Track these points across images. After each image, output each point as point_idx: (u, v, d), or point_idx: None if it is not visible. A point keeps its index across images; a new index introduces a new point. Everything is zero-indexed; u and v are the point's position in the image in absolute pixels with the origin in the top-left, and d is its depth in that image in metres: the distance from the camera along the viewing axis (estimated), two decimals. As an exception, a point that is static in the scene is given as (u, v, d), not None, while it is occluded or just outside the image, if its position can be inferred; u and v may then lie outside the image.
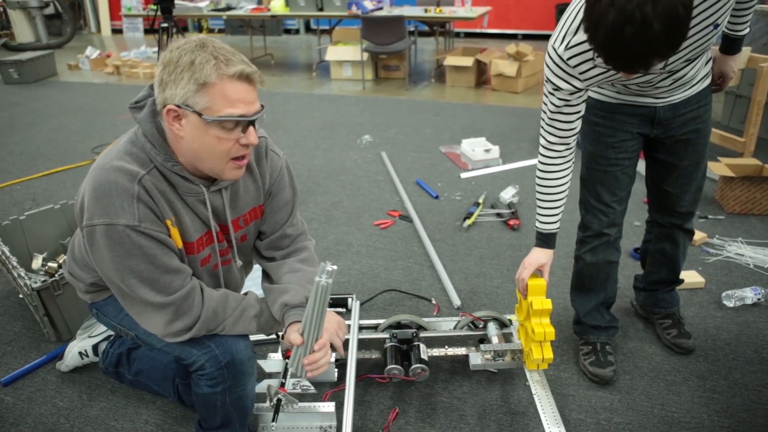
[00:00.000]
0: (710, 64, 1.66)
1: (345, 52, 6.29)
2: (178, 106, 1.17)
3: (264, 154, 1.46)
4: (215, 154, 1.23)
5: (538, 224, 1.74)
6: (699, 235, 2.71)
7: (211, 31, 10.11)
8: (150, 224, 1.24)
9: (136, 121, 1.27)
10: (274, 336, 2.07)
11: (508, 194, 3.18)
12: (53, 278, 2.07)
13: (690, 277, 2.39)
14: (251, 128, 1.22)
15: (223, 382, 1.41)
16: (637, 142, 1.73)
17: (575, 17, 1.38)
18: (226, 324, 1.36)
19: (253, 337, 2.11)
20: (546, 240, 1.74)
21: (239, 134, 1.22)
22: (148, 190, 1.24)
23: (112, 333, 1.85)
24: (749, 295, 2.24)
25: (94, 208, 1.22)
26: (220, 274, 1.47)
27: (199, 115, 1.17)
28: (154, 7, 4.45)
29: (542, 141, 1.66)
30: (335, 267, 1.20)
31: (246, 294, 1.44)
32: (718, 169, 2.98)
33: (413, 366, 1.75)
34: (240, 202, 1.43)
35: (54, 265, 2.28)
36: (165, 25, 4.26)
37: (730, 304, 2.25)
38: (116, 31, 10.19)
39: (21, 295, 2.27)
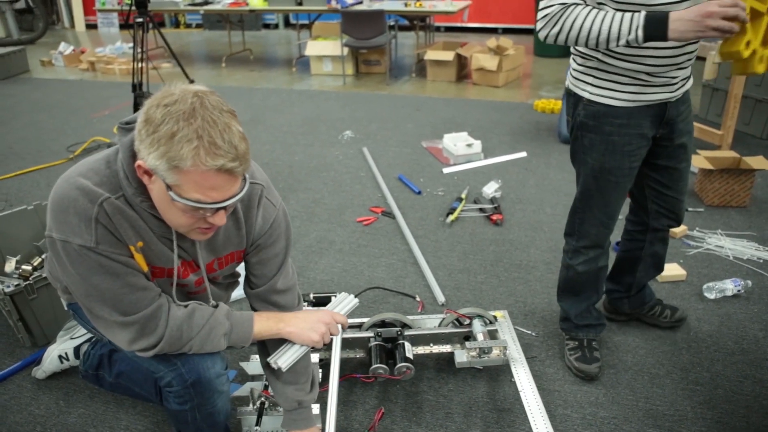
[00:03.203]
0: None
1: (325, 47, 6.23)
2: (150, 168, 1.08)
3: (256, 203, 1.34)
4: (178, 223, 1.16)
5: (642, 23, 1.36)
6: (679, 228, 2.72)
7: (188, 26, 9.95)
8: (109, 246, 1.17)
9: (119, 144, 1.19)
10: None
11: (490, 189, 3.18)
12: (27, 282, 2.01)
13: (672, 269, 2.41)
14: (220, 212, 1.14)
15: (191, 400, 1.36)
16: (647, 147, 1.69)
17: None
18: (193, 344, 1.28)
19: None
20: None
21: (208, 213, 1.13)
22: (110, 215, 1.16)
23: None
24: (729, 286, 2.27)
25: (52, 221, 1.18)
26: (194, 297, 1.41)
27: (168, 187, 1.08)
28: (129, 2, 4.35)
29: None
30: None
31: (216, 306, 1.35)
32: (697, 162, 3.01)
33: (398, 365, 1.73)
34: (218, 245, 1.34)
35: (28, 267, 2.21)
36: (140, 20, 4.16)
37: (711, 296, 2.27)
38: (90, 27, 9.97)
39: (-6, 300, 2.21)
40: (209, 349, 1.31)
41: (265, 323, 1.38)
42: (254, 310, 1.52)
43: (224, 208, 1.13)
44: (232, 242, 1.36)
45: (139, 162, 1.10)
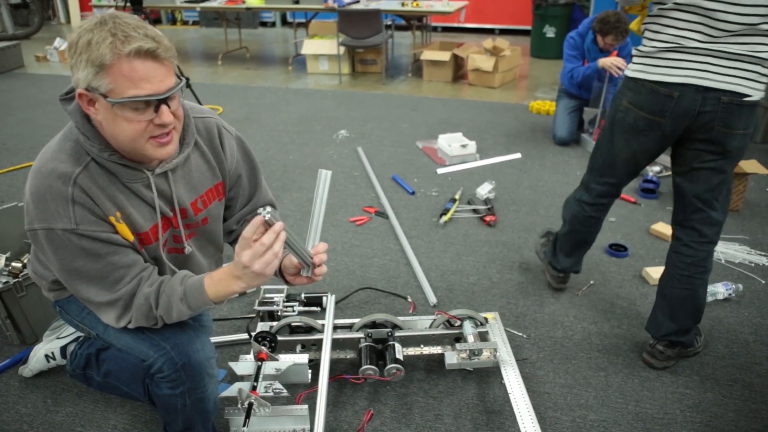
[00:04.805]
0: None
1: (321, 45, 6.22)
2: (86, 90, 1.12)
3: (216, 134, 1.42)
4: (130, 136, 1.17)
5: None
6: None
7: (185, 23, 9.92)
8: (89, 225, 1.20)
9: (67, 113, 1.23)
10: (246, 336, 2.03)
11: (484, 190, 3.18)
12: (17, 279, 2.00)
13: (663, 272, 2.41)
14: (163, 107, 1.15)
15: (182, 384, 1.38)
16: None
17: None
18: (160, 313, 1.29)
19: (226, 338, 2.07)
20: None
21: (152, 114, 1.15)
22: (85, 190, 1.19)
23: (81, 334, 1.80)
24: (721, 290, 2.27)
25: (32, 212, 1.20)
26: (180, 262, 1.43)
27: (105, 97, 1.11)
28: (124, -2, 4.33)
29: None
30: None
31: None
32: (690, 165, 3.01)
33: (388, 366, 1.73)
34: (194, 182, 1.39)
35: (18, 265, 2.19)
36: (135, 16, 4.15)
37: (702, 299, 2.27)
38: (86, 22, 9.93)
39: (-18, 297, 2.19)
40: (176, 317, 1.29)
41: (216, 286, 1.28)
42: (233, 234, 1.57)
43: (166, 103, 1.15)
44: (206, 177, 1.41)
45: (78, 91, 1.14)
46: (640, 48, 1.71)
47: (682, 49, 1.61)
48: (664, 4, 1.61)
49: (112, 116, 1.14)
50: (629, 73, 1.75)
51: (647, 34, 1.69)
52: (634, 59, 1.74)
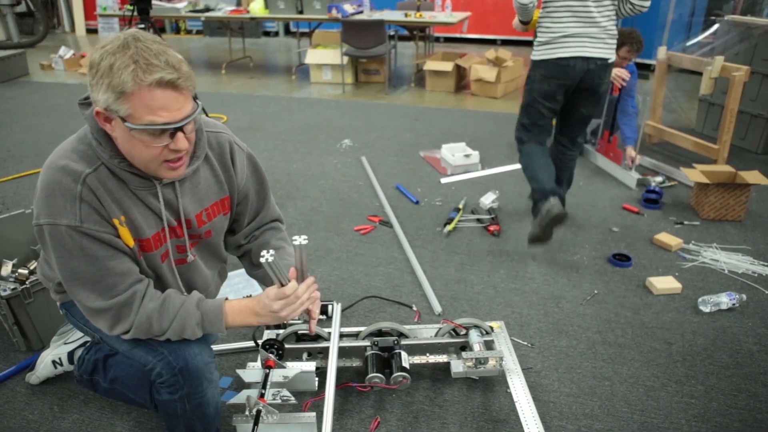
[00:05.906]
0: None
1: (325, 55, 6.26)
2: (104, 110, 1.15)
3: (228, 149, 1.44)
4: (145, 158, 1.20)
5: None
6: (675, 241, 2.75)
7: (189, 32, 9.99)
8: (93, 224, 1.22)
9: (84, 118, 1.26)
10: (252, 344, 2.04)
11: (488, 200, 3.19)
12: (24, 286, 2.01)
13: (667, 282, 2.43)
14: (179, 134, 1.18)
15: (180, 389, 1.39)
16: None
17: None
18: (168, 334, 1.32)
19: (232, 346, 2.08)
20: None
21: (167, 140, 1.18)
22: (93, 190, 1.22)
23: (89, 339, 1.81)
24: (724, 300, 2.28)
25: (40, 207, 1.23)
26: (183, 272, 1.44)
27: (123, 120, 1.14)
28: (131, 8, 4.36)
29: None
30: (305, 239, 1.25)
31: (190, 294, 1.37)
32: (693, 175, 3.03)
33: (394, 374, 1.73)
34: (201, 195, 1.40)
35: (24, 271, 2.21)
36: (142, 26, 4.16)
37: (706, 309, 2.28)
38: (91, 31, 9.99)
39: (-11, 303, 2.20)
40: (187, 336, 1.34)
41: (235, 317, 1.35)
42: (241, 248, 1.60)
43: (182, 130, 1.18)
44: (213, 190, 1.43)
45: (96, 109, 1.16)
46: (539, 39, 2.53)
47: (569, 34, 2.45)
48: (548, 8, 2.47)
49: (129, 137, 1.17)
50: (536, 58, 2.56)
51: (541, 29, 2.53)
52: (536, 48, 2.56)
